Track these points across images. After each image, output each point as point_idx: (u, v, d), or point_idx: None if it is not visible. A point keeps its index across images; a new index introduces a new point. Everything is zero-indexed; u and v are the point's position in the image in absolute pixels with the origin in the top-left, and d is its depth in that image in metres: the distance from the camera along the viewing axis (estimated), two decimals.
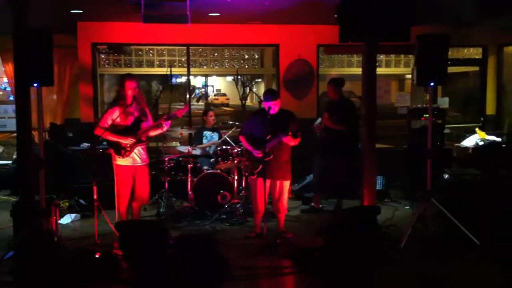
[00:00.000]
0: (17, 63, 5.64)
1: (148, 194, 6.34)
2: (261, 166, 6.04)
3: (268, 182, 6.12)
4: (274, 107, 6.12)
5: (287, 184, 6.32)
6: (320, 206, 7.77)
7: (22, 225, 5.82)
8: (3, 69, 10.45)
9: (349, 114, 7.36)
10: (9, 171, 9.29)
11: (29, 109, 6.03)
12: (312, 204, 7.75)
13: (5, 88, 12.48)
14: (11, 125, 10.23)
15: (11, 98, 11.35)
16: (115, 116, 6.01)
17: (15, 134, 7.22)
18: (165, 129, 6.18)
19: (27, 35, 5.56)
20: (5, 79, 11.44)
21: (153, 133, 6.27)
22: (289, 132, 5.89)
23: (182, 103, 26.18)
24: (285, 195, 6.32)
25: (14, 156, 9.61)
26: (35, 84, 5.60)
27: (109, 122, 5.99)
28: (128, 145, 6.01)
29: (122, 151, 6.02)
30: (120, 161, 6.07)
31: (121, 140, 5.99)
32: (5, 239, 6.23)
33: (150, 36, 9.68)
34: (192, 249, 5.18)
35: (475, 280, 5.11)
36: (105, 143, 7.14)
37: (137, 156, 6.11)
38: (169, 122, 6.14)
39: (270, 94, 6.27)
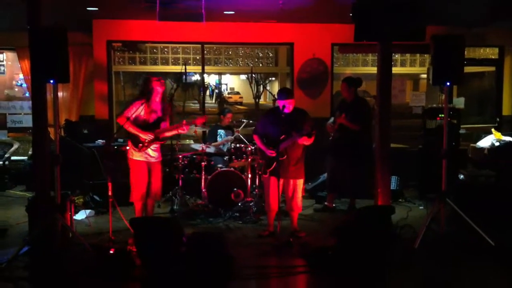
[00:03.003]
0: (33, 60, 5.67)
1: (161, 190, 6.43)
2: (274, 165, 6.05)
3: (281, 180, 6.12)
4: (288, 105, 6.11)
5: (300, 182, 6.31)
6: (334, 205, 7.76)
7: (38, 221, 5.88)
8: (19, 65, 10.52)
9: (363, 113, 7.32)
10: (25, 167, 9.38)
11: (45, 106, 6.07)
12: (326, 203, 7.74)
13: (21, 85, 12.55)
14: (27, 121, 10.34)
15: (27, 94, 11.44)
16: (140, 109, 6.11)
17: (30, 131, 7.30)
18: (182, 132, 6.35)
19: (43, 31, 5.60)
20: (21, 76, 11.50)
21: (169, 133, 6.38)
22: (304, 132, 5.89)
23: (196, 101, 26.32)
24: (299, 194, 6.31)
25: (30, 152, 9.69)
26: (51, 81, 5.65)
27: (133, 114, 6.08)
28: (147, 140, 6.10)
29: (139, 144, 6.13)
30: (135, 156, 6.17)
31: (140, 134, 6.10)
32: (20, 234, 6.31)
33: (165, 34, 9.72)
34: (205, 247, 5.20)
35: (489, 282, 5.08)
36: (120, 140, 7.20)
37: (151, 153, 6.21)
38: (188, 127, 6.31)
39: (285, 93, 6.26)
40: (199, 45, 10.37)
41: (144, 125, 6.14)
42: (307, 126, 5.94)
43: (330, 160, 7.60)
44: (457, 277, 5.17)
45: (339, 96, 8.10)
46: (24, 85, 11.32)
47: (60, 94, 9.42)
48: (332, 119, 7.55)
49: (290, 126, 6.00)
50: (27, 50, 5.84)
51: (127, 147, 6.30)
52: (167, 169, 7.98)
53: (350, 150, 7.29)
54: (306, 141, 6.01)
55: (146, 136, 6.11)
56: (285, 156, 6.06)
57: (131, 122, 6.05)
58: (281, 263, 5.52)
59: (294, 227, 6.43)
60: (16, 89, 13.66)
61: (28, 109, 10.25)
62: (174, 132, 6.40)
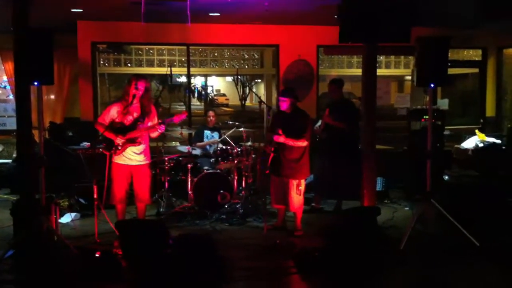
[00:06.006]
0: (17, 62, 5.64)
1: (148, 194, 6.33)
2: (269, 161, 6.36)
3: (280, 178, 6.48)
4: (281, 103, 6.39)
5: (294, 182, 6.42)
6: (320, 206, 7.78)
7: (22, 224, 5.82)
8: (3, 67, 10.44)
9: (349, 113, 7.37)
10: (9, 170, 9.28)
11: (30, 108, 6.03)
12: (313, 204, 7.77)
13: (5, 87, 12.44)
14: (11, 123, 10.24)
15: (11, 96, 11.33)
16: (113, 112, 6.05)
17: (15, 133, 7.24)
18: (159, 131, 6.19)
19: (28, 33, 5.56)
20: (4, 78, 11.41)
21: (152, 134, 6.27)
22: (279, 130, 6.17)
23: (182, 103, 26.29)
24: (292, 193, 6.43)
25: (14, 155, 9.61)
26: (36, 83, 5.60)
27: (107, 119, 6.05)
28: (119, 144, 6.03)
29: (113, 148, 6.06)
30: (116, 158, 6.12)
31: (112, 138, 6.03)
32: (5, 238, 6.24)
33: (150, 36, 9.69)
34: (192, 249, 5.19)
35: (474, 281, 5.12)
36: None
37: (131, 156, 6.12)
38: (164, 126, 6.16)
39: (281, 91, 6.68)
40: (185, 47, 10.36)
41: (120, 128, 6.04)
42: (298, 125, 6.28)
43: (317, 160, 7.61)
44: (443, 277, 5.20)
45: (325, 97, 8.13)
46: (8, 87, 11.22)
47: (44, 96, 9.36)
48: (319, 123, 7.56)
49: (286, 125, 6.25)
50: (11, 52, 5.80)
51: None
52: (153, 172, 7.95)
53: (336, 150, 7.31)
54: (285, 140, 6.23)
55: (117, 140, 6.01)
56: (272, 154, 6.31)
57: (106, 127, 5.97)
58: (268, 264, 5.50)
59: (294, 225, 6.61)
60: (0, 91, 13.53)
61: (12, 112, 10.16)
62: (155, 133, 6.23)
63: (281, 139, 6.21)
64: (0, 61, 10.41)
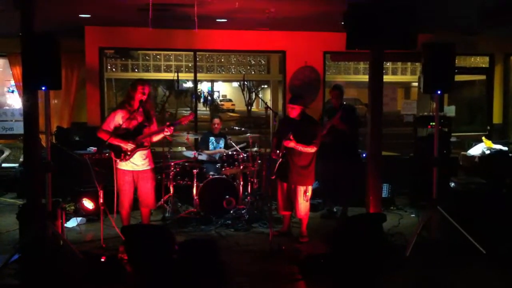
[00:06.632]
0: (25, 67, 5.66)
1: (153, 199, 6.36)
2: (276, 167, 6.30)
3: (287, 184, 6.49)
4: (291, 110, 6.38)
5: (301, 189, 6.41)
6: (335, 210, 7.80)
7: (28, 228, 5.85)
8: (11, 72, 10.49)
9: (352, 118, 7.38)
10: (16, 174, 9.33)
11: (37, 113, 6.05)
12: (327, 208, 7.82)
13: (12, 91, 12.50)
14: (18, 128, 10.27)
15: (18, 101, 11.39)
16: (117, 118, 6.06)
17: (21, 137, 7.27)
18: (167, 134, 6.20)
19: (35, 38, 5.58)
20: (12, 82, 11.46)
21: (155, 138, 6.30)
22: (290, 135, 6.11)
23: (189, 108, 26.33)
24: (300, 199, 6.43)
25: (21, 159, 9.64)
26: (43, 88, 5.63)
27: (112, 125, 6.06)
28: (129, 150, 6.04)
29: (122, 154, 6.07)
30: (121, 165, 6.13)
31: (121, 144, 6.03)
32: (11, 242, 6.27)
33: (158, 41, 9.72)
34: (197, 254, 5.18)
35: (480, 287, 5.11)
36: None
37: (137, 161, 6.14)
38: (172, 128, 6.16)
39: (291, 98, 6.61)
40: (192, 53, 10.38)
41: (125, 134, 6.05)
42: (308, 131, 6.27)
43: (321, 166, 7.58)
44: (449, 284, 5.19)
45: (330, 103, 8.13)
46: (16, 91, 11.27)
47: (52, 100, 9.39)
48: None
49: (295, 132, 6.19)
50: (19, 56, 5.83)
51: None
52: (159, 177, 7.96)
53: (339, 154, 7.30)
54: (296, 146, 6.18)
55: (127, 146, 6.03)
56: (281, 160, 6.25)
57: (112, 133, 5.97)
58: (273, 270, 5.49)
59: (300, 231, 6.61)
60: (7, 96, 13.60)
61: (19, 116, 10.19)
62: (160, 136, 6.27)
63: (292, 144, 6.16)
64: (8, 65, 10.46)
